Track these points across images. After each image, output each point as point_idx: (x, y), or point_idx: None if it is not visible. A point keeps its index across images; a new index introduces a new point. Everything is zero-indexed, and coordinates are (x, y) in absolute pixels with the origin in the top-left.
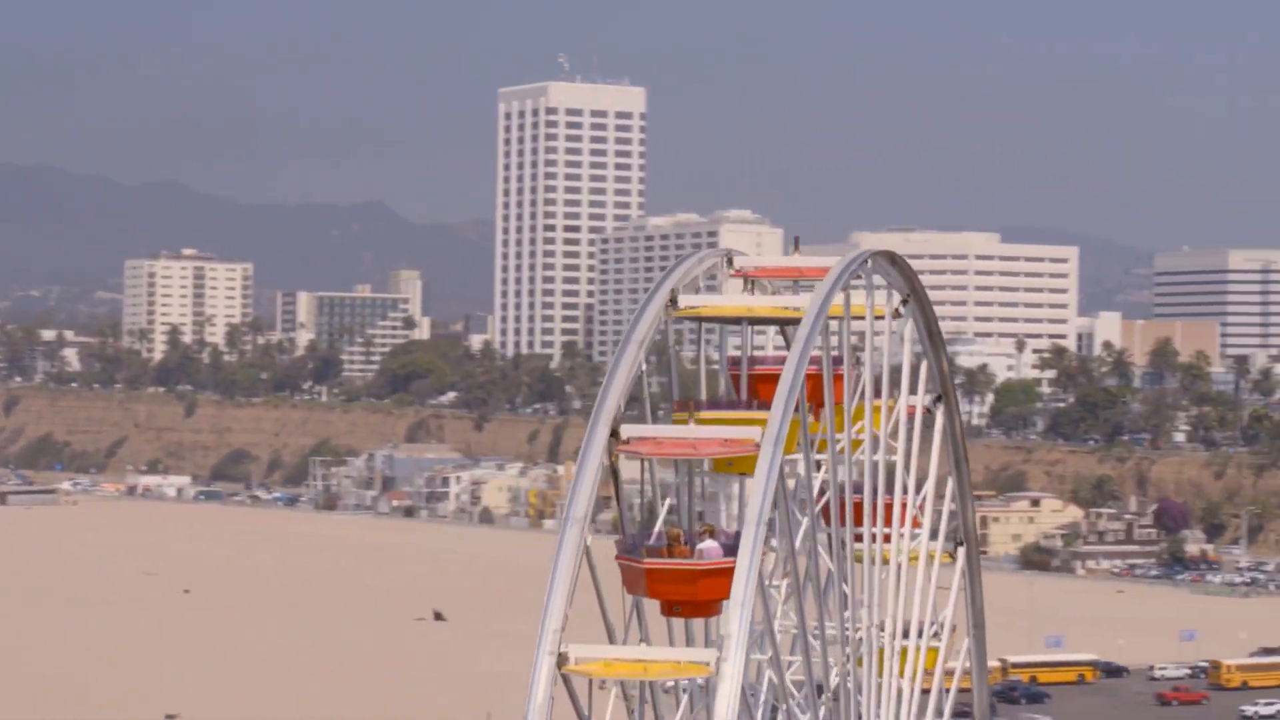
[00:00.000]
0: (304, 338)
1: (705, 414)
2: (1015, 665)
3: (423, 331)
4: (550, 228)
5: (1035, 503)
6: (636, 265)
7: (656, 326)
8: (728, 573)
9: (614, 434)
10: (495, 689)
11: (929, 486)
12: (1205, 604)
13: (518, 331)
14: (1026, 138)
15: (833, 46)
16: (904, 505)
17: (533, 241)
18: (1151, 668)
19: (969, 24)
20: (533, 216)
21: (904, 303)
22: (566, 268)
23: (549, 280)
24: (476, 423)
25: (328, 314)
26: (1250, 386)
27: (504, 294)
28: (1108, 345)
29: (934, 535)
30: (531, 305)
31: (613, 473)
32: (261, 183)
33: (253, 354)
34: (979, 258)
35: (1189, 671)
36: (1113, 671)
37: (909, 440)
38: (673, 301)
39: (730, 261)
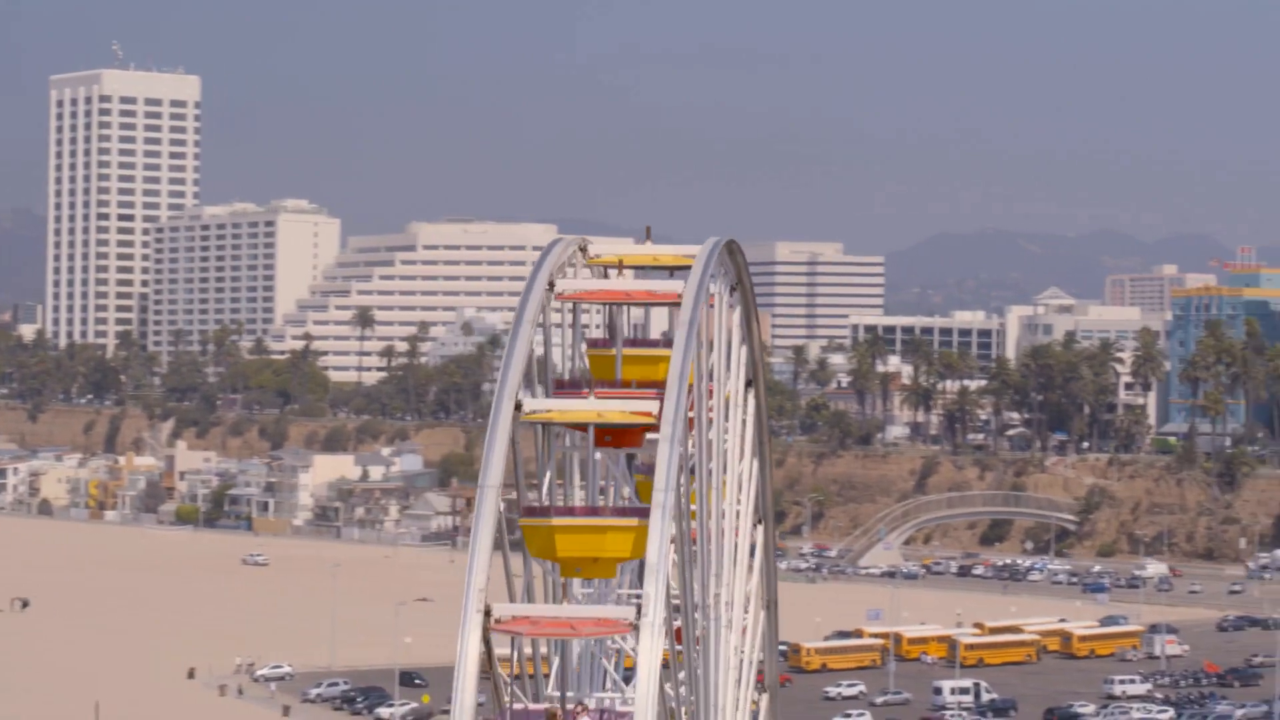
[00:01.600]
0: None
1: (602, 391)
2: None
3: None
4: (104, 216)
5: None
6: (192, 254)
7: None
8: (632, 531)
9: (517, 406)
10: (88, 680)
11: (745, 466)
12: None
13: (70, 321)
14: (578, 133)
15: (385, 40)
16: (738, 485)
17: (85, 230)
18: None
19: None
20: (86, 205)
21: (732, 290)
22: (121, 257)
23: (102, 269)
24: (30, 413)
25: None
26: (807, 376)
27: (56, 283)
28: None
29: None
30: (85, 295)
31: (512, 445)
32: None
33: None
34: (536, 249)
35: None
36: None
37: (735, 423)
38: (550, 285)
39: (584, 250)
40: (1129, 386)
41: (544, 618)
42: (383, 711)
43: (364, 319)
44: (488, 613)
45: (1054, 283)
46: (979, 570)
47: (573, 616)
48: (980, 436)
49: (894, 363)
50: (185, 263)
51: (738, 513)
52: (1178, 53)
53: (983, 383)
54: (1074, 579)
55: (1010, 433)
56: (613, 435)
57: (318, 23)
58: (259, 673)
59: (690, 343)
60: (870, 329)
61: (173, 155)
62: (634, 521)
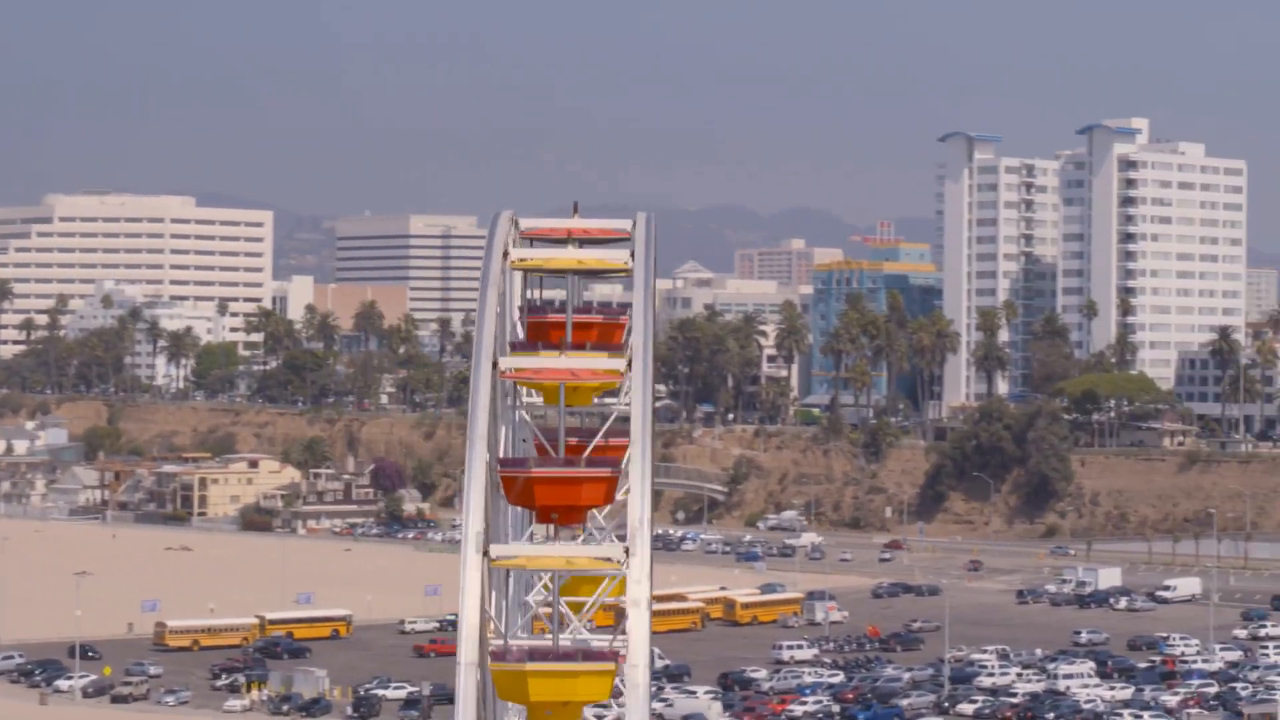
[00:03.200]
0: None
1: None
2: (273, 621)
3: None
4: None
5: (254, 464)
6: None
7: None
8: (607, 481)
9: (494, 365)
10: None
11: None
12: (433, 560)
13: None
14: (210, 110)
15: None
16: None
17: None
18: (402, 622)
19: None
20: None
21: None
22: None
23: None
24: None
25: None
26: (452, 349)
27: None
28: (311, 309)
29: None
30: None
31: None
32: None
33: None
34: (175, 221)
35: (439, 625)
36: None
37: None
38: (504, 254)
39: (516, 223)
40: (771, 359)
41: (540, 554)
42: (62, 684)
43: (1, 292)
44: (486, 554)
45: (676, 255)
46: None
47: (567, 553)
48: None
49: None
50: None
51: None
52: (802, 31)
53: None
54: (727, 548)
55: (658, 404)
56: (559, 514)
57: None
58: None
59: (649, 305)
60: None
61: None
62: (606, 473)
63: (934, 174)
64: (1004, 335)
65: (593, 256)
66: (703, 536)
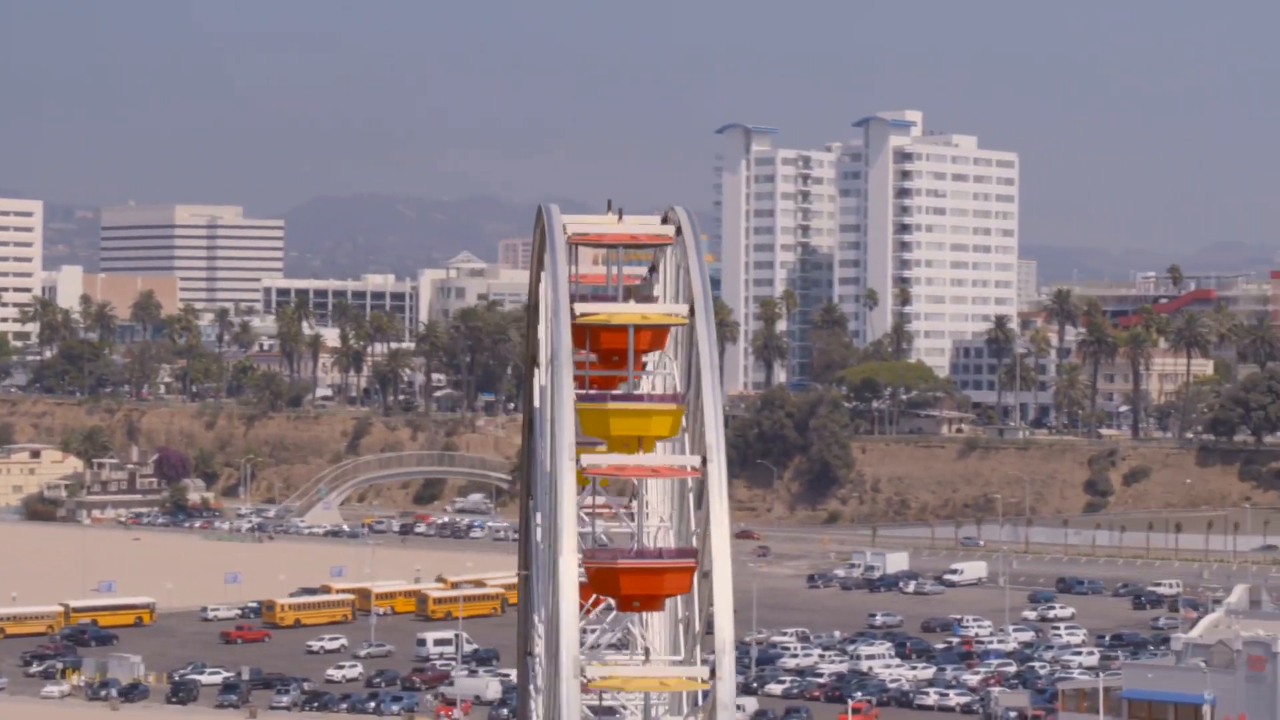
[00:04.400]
0: None
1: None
2: (77, 609)
3: None
4: None
5: (35, 454)
6: None
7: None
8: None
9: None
10: None
11: None
12: (222, 549)
13: None
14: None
15: None
16: None
17: None
18: (204, 609)
19: None
20: None
21: None
22: None
23: None
24: None
25: None
26: (230, 339)
27: None
28: (87, 298)
29: None
30: None
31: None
32: None
33: None
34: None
35: (240, 611)
36: None
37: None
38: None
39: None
40: None
41: (629, 464)
42: None
43: None
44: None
45: (432, 246)
46: (421, 528)
47: (654, 463)
48: (409, 399)
49: (316, 324)
50: None
51: None
52: (574, 20)
53: (409, 345)
54: (515, 535)
55: (438, 394)
56: (641, 602)
57: None
58: None
59: (702, 263)
60: (284, 292)
61: None
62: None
63: (712, 165)
64: (782, 325)
65: (656, 311)
66: (490, 524)
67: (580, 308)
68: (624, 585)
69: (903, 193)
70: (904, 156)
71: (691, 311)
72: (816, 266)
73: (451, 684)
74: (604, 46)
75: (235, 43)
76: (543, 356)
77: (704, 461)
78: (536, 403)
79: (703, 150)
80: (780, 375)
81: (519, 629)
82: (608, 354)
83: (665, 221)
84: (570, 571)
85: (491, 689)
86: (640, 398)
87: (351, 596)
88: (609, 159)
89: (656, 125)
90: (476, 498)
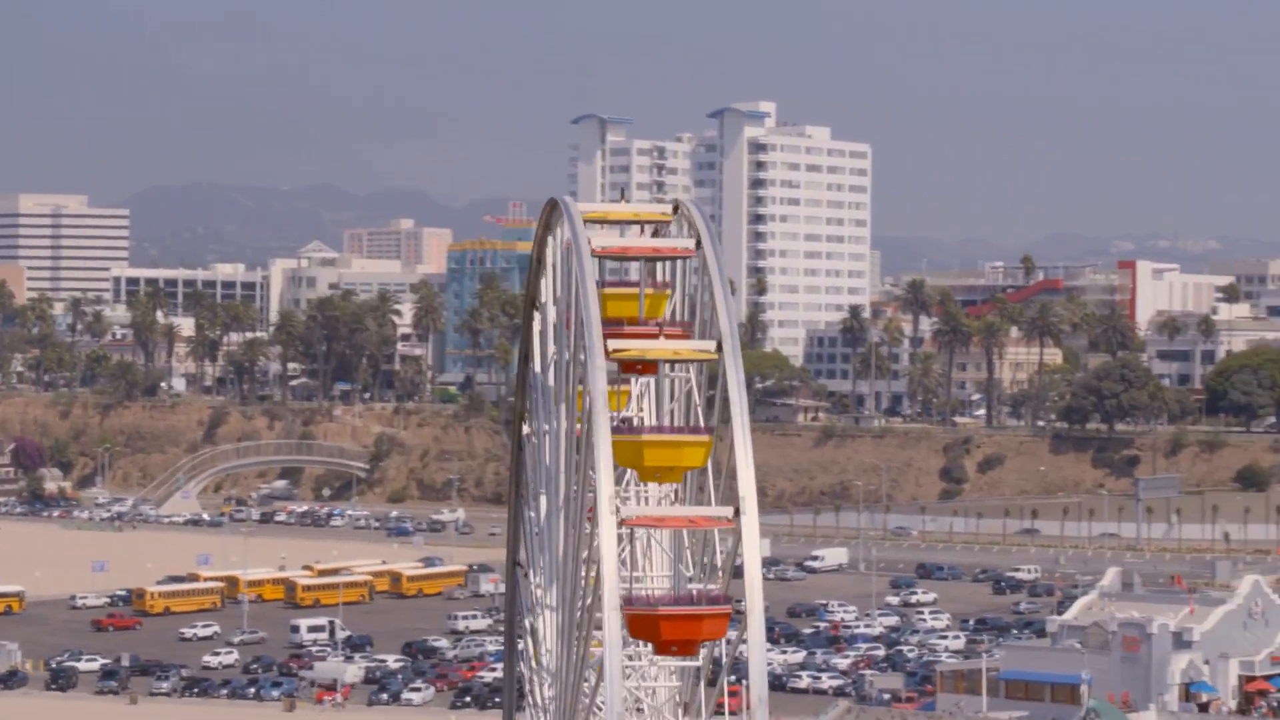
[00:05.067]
0: None
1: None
2: None
3: None
4: None
5: None
6: None
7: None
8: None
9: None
10: None
11: None
12: (84, 538)
13: None
14: None
15: None
16: None
17: None
18: (73, 597)
19: None
20: None
21: None
22: None
23: None
24: None
25: None
26: (83, 328)
27: None
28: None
29: None
30: None
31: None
32: None
33: None
34: None
35: (110, 599)
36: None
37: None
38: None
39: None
40: (405, 337)
41: (667, 515)
42: None
43: None
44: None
45: (271, 235)
46: (281, 517)
47: (689, 514)
48: (262, 387)
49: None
50: None
51: None
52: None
53: (263, 335)
54: (376, 523)
55: (294, 383)
56: (679, 646)
57: None
58: None
59: (728, 295)
60: (133, 281)
61: None
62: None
63: (568, 156)
64: None
65: (687, 348)
66: (349, 512)
67: (613, 344)
68: (664, 631)
69: (757, 183)
70: (758, 147)
71: (719, 348)
72: None
73: (311, 669)
74: (458, 36)
75: (73, 34)
76: (585, 400)
77: (737, 513)
78: (527, 428)
79: (558, 141)
80: None
81: (505, 623)
82: (633, 369)
83: (676, 211)
84: (604, 425)
85: (350, 673)
86: (674, 430)
87: (220, 584)
88: (462, 149)
89: (511, 115)
90: (281, 484)
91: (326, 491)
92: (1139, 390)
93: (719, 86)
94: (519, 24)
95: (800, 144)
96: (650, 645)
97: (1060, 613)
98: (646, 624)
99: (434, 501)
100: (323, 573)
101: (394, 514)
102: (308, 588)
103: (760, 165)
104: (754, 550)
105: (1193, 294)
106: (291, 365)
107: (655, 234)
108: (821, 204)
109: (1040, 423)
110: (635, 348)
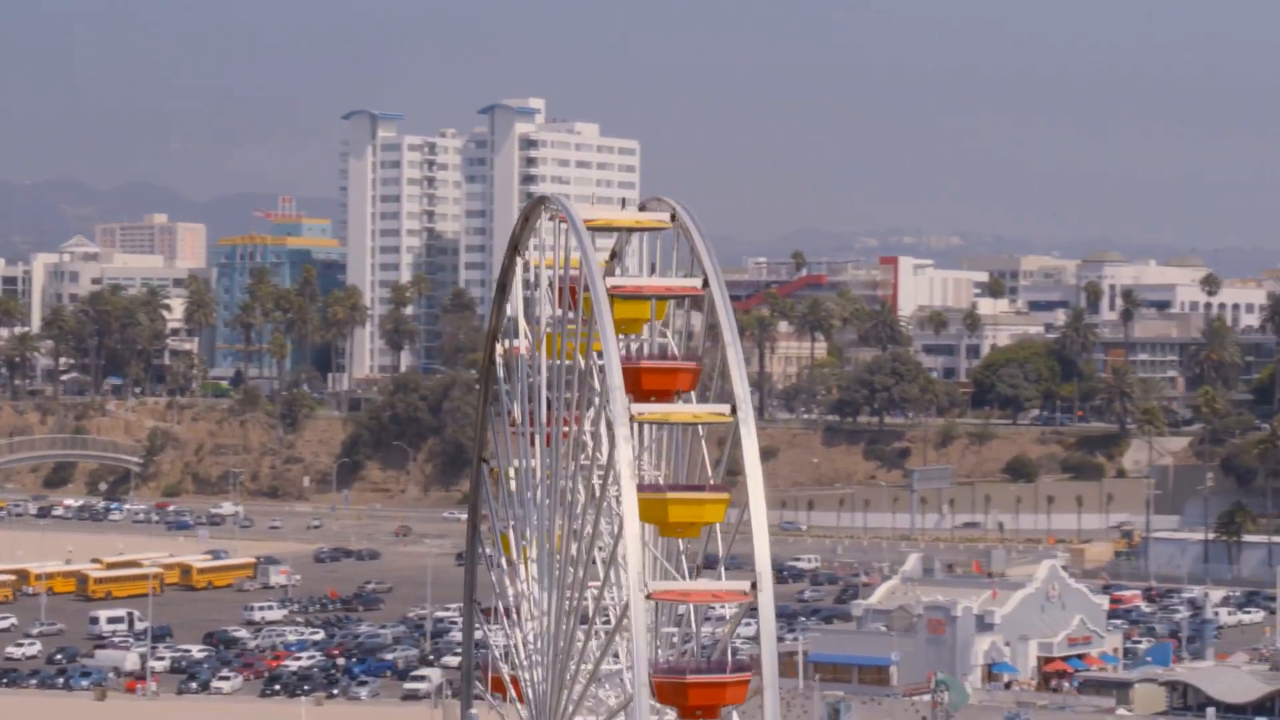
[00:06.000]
0: None
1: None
2: None
3: None
4: None
5: None
6: None
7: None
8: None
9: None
10: None
11: None
12: None
13: None
14: None
15: None
16: None
17: None
18: None
19: None
20: None
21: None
22: None
23: None
24: None
25: None
26: None
27: None
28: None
29: None
30: None
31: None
32: None
33: None
34: None
35: None
36: None
37: None
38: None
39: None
40: (174, 332)
41: (694, 590)
42: None
43: None
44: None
45: (12, 230)
46: (59, 511)
47: (715, 589)
48: (31, 382)
49: None
50: None
51: None
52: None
53: (31, 329)
54: (155, 517)
55: (65, 378)
56: (704, 711)
57: None
58: None
59: (739, 358)
60: None
61: None
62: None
63: (338, 151)
64: (409, 309)
65: (706, 411)
66: (127, 506)
67: (636, 409)
68: (691, 697)
69: (528, 179)
70: (529, 144)
71: (733, 410)
72: (442, 251)
73: (92, 657)
74: (226, 28)
75: None
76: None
77: (753, 586)
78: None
79: (329, 136)
80: (407, 359)
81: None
82: (647, 394)
83: (642, 209)
84: (629, 477)
85: (129, 661)
86: (697, 488)
87: (11, 577)
88: (227, 144)
89: (280, 110)
90: None
91: (102, 485)
92: (910, 384)
93: (490, 82)
94: (292, 17)
95: (570, 140)
96: (674, 710)
97: (844, 600)
98: (674, 691)
99: (209, 495)
100: (112, 565)
101: (172, 508)
102: (100, 580)
103: (531, 161)
104: (769, 624)
105: (952, 289)
106: (63, 360)
107: (641, 208)
108: (591, 200)
109: (811, 416)
110: (657, 412)
